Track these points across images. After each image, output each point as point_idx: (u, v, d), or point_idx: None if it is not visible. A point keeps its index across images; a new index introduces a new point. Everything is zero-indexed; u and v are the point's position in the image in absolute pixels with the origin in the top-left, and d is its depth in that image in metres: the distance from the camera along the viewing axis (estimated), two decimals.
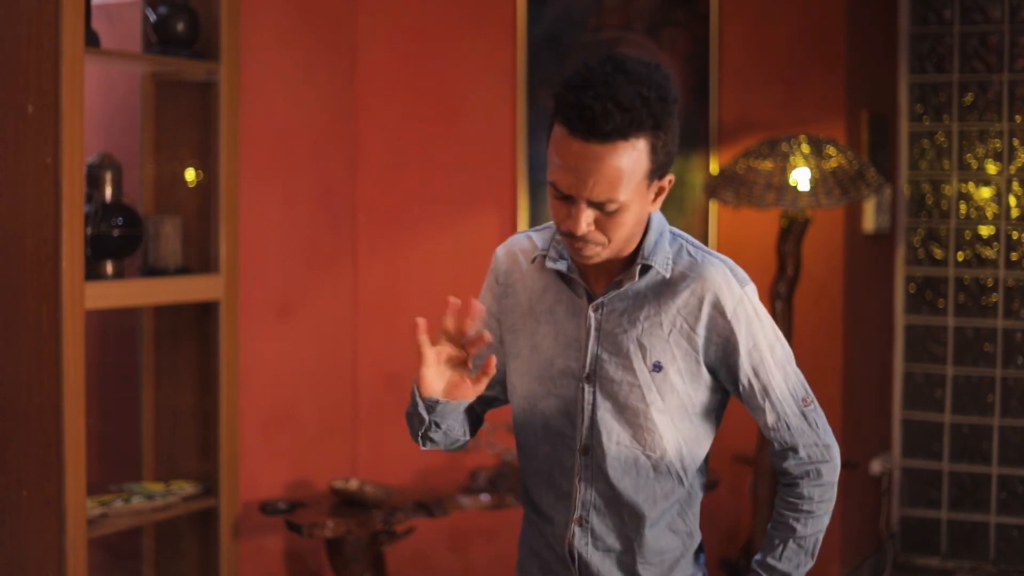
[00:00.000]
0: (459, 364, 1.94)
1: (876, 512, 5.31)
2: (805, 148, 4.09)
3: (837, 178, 4.06)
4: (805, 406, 2.04)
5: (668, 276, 1.99)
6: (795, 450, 2.04)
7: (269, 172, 3.98)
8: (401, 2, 4.38)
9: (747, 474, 4.57)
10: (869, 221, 4.95)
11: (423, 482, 4.39)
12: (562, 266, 2.03)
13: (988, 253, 5.26)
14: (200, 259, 3.69)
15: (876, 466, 5.24)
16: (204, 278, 3.61)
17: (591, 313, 2.01)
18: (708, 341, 1.99)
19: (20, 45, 3.12)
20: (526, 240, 2.12)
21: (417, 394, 1.97)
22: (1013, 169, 5.22)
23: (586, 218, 1.89)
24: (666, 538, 2.06)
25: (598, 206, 1.89)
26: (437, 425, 2.01)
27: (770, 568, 2.05)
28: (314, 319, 4.20)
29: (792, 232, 4.20)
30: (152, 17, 3.56)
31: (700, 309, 1.98)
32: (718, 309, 1.98)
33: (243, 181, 3.73)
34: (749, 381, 2.01)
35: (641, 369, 1.99)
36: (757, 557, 2.08)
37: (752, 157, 4.15)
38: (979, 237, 5.28)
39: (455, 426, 2.05)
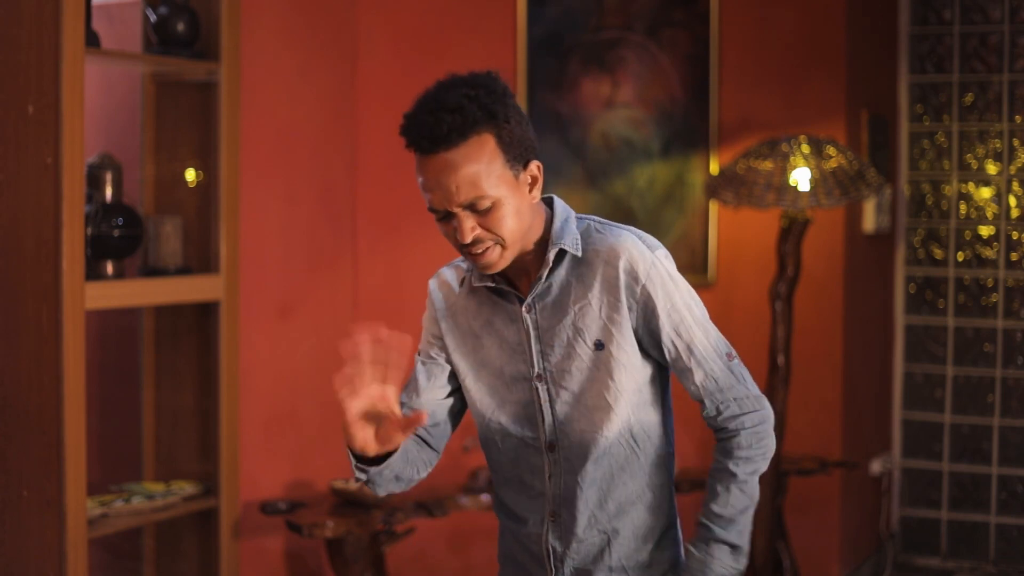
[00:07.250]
0: (385, 412, 1.94)
1: (876, 512, 5.31)
2: (805, 148, 4.09)
3: (837, 178, 4.06)
4: (730, 360, 2.08)
5: (580, 255, 2.05)
6: (726, 404, 2.07)
7: (269, 172, 3.98)
8: (401, 2, 4.38)
9: None
10: (869, 221, 4.95)
11: (423, 482, 4.38)
12: (488, 281, 2.10)
13: (988, 253, 5.26)
14: (200, 259, 3.69)
15: (876, 466, 5.24)
16: (204, 278, 3.61)
17: (525, 315, 2.08)
18: (630, 309, 2.04)
19: (20, 45, 3.12)
20: (453, 269, 2.22)
21: (350, 453, 2.02)
22: (1013, 169, 5.22)
23: (468, 225, 1.97)
24: (636, 513, 2.10)
25: (472, 208, 1.97)
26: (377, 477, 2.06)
27: (715, 516, 2.07)
28: (314, 319, 4.20)
29: (792, 232, 4.19)
30: (152, 17, 3.56)
31: (617, 279, 2.03)
32: (632, 276, 2.03)
33: (243, 181, 3.73)
34: (672, 342, 2.05)
35: (585, 353, 2.05)
36: (702, 510, 2.09)
37: (752, 157, 4.14)
38: (979, 237, 5.28)
39: (405, 468, 2.11)
